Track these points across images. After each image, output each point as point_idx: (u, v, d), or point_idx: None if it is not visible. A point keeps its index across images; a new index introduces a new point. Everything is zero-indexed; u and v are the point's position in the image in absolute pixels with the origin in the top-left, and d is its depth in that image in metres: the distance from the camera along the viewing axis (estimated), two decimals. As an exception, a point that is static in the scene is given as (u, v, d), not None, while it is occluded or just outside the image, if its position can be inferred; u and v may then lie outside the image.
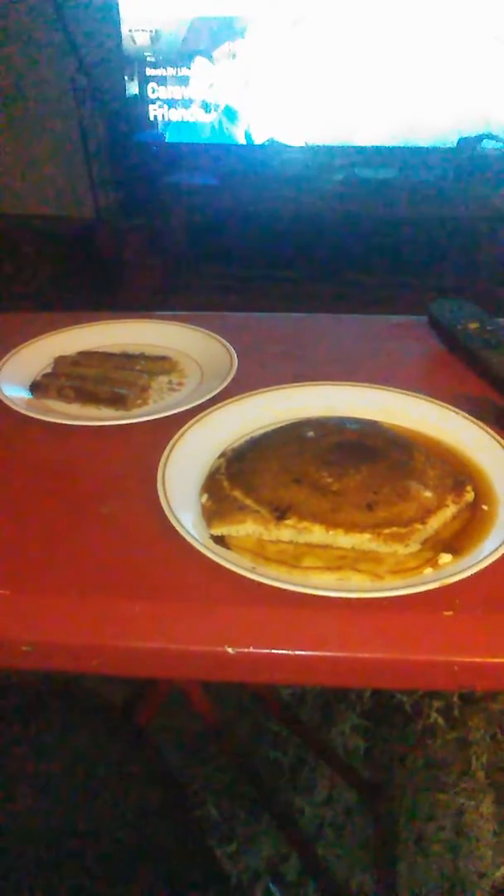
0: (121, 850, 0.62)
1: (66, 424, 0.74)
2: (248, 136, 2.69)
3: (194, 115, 2.68)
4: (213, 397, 0.76)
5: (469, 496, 0.63)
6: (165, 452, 0.66)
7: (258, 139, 2.69)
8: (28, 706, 0.71)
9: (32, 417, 0.75)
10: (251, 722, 1.41)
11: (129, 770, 0.69)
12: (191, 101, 2.67)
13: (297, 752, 1.37)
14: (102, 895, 0.59)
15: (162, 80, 2.65)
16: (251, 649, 0.52)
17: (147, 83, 2.66)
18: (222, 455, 0.69)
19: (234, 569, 0.55)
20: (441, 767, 1.35)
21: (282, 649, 0.52)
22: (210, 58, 2.60)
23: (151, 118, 2.71)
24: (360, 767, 1.35)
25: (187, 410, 0.74)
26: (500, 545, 0.57)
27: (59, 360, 0.86)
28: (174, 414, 0.74)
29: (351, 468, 0.62)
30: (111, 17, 2.59)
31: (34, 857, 0.59)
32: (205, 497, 0.64)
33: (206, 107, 2.67)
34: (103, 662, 0.56)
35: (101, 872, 0.60)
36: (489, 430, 0.70)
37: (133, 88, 2.67)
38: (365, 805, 1.29)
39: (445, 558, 0.57)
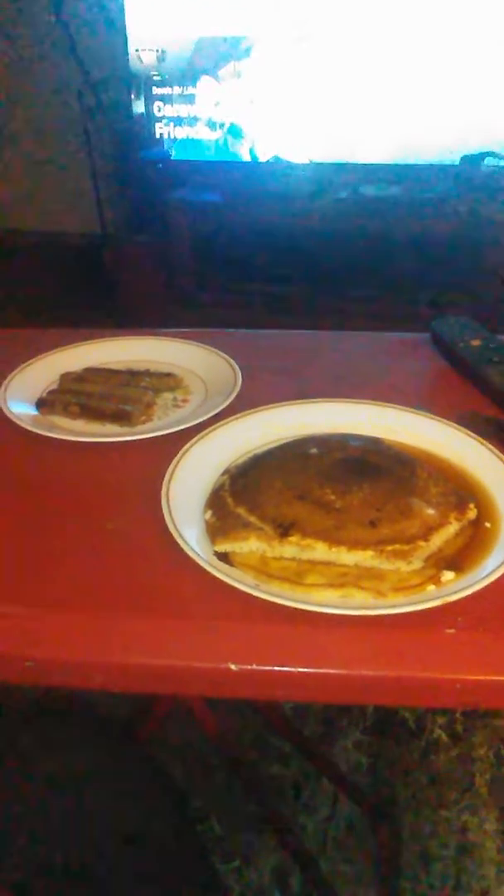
0: (123, 866, 0.62)
1: (71, 441, 0.75)
2: (252, 153, 2.72)
3: (200, 132, 2.71)
4: (218, 414, 0.77)
5: (472, 513, 0.63)
6: (170, 469, 0.67)
7: (263, 157, 2.71)
8: (28, 721, 0.71)
9: (38, 434, 0.75)
10: (254, 737, 1.41)
11: (131, 785, 0.69)
12: (196, 119, 2.69)
13: (299, 767, 1.37)
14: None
15: (168, 99, 2.68)
16: (254, 666, 0.52)
17: (153, 101, 2.68)
18: (226, 472, 0.69)
19: (237, 585, 0.56)
20: (444, 784, 1.34)
21: (285, 666, 0.52)
22: (216, 76, 2.62)
23: (157, 136, 2.73)
24: (363, 783, 1.35)
25: (192, 427, 0.74)
26: (503, 563, 0.57)
27: (65, 377, 0.87)
28: (178, 430, 0.74)
29: (354, 485, 0.62)
30: (118, 36, 2.62)
31: (36, 871, 0.59)
32: (209, 514, 0.64)
33: (211, 125, 2.69)
34: (106, 679, 0.56)
35: (102, 886, 0.60)
36: (492, 447, 0.70)
37: (139, 107, 2.70)
38: (368, 821, 1.28)
39: (448, 576, 0.58)
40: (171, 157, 2.77)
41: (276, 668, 0.52)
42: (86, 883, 0.59)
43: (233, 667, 0.52)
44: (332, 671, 0.53)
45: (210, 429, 0.73)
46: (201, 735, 1.29)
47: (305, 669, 0.52)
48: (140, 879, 0.62)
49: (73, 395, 0.82)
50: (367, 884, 1.20)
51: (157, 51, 2.62)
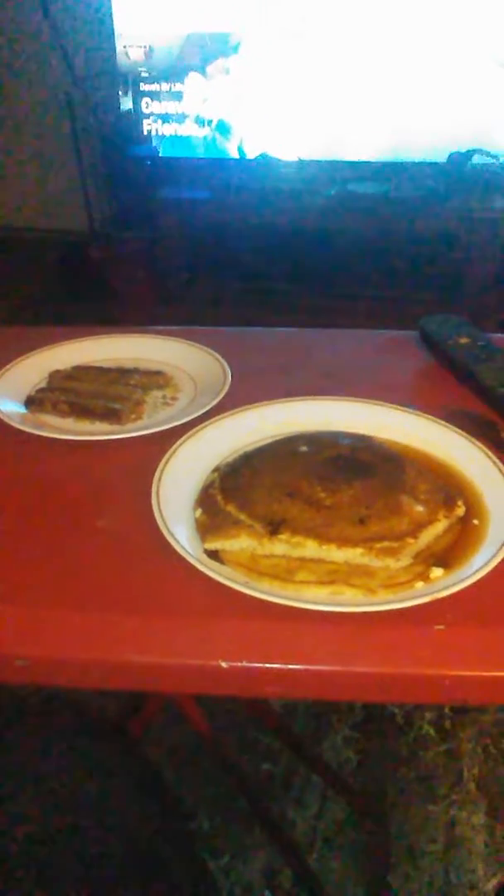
0: (113, 864, 0.62)
1: (60, 439, 0.75)
2: (241, 150, 2.71)
3: (188, 129, 2.71)
4: (207, 412, 0.77)
5: (460, 511, 0.63)
6: (160, 467, 0.67)
7: (251, 154, 2.71)
8: (17, 719, 0.71)
9: (27, 432, 0.75)
10: (243, 734, 1.41)
11: (121, 783, 0.69)
12: (184, 115, 2.69)
13: (289, 764, 1.37)
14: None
15: (156, 95, 2.67)
16: (244, 663, 0.52)
17: (141, 98, 2.68)
18: (216, 470, 0.69)
19: (227, 583, 0.56)
20: (432, 779, 1.35)
21: (275, 663, 0.53)
22: (204, 73, 2.62)
23: (145, 132, 2.73)
24: (352, 779, 1.35)
25: (181, 425, 0.75)
26: (491, 559, 0.57)
27: (54, 375, 0.87)
28: (168, 428, 0.75)
29: (343, 483, 0.62)
30: (106, 32, 2.61)
31: (23, 869, 0.59)
32: (199, 511, 0.64)
33: (199, 121, 2.69)
34: (97, 677, 0.56)
35: (92, 884, 0.60)
36: (480, 444, 0.70)
37: (127, 103, 2.69)
38: (357, 816, 1.29)
39: (437, 572, 0.58)
40: (160, 155, 2.76)
41: (267, 665, 0.53)
42: (76, 880, 0.59)
43: (223, 664, 0.52)
44: (321, 668, 0.53)
45: (199, 427, 0.73)
46: (191, 732, 1.29)
47: (295, 666, 0.53)
48: (129, 876, 0.62)
49: (63, 394, 0.82)
50: (357, 879, 1.21)
51: (145, 47, 2.61)
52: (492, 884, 1.20)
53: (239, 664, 0.52)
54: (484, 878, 1.21)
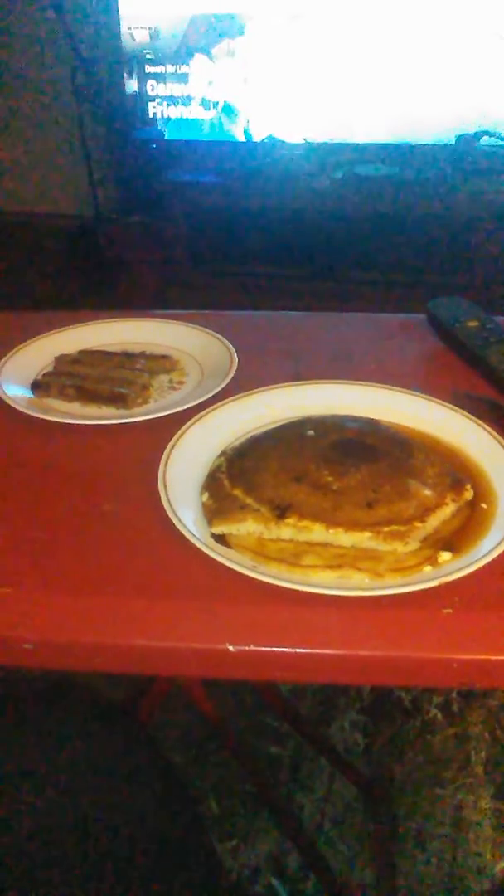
0: (121, 846, 0.62)
1: (66, 423, 0.75)
2: (247, 133, 2.69)
3: (193, 112, 2.69)
4: (214, 396, 0.77)
5: (468, 494, 0.63)
6: (166, 451, 0.67)
7: (257, 136, 2.69)
8: (25, 703, 0.71)
9: (33, 416, 0.75)
10: (251, 718, 1.42)
11: (129, 766, 0.70)
12: (190, 98, 2.67)
13: (296, 747, 1.38)
14: (100, 891, 0.59)
15: (161, 78, 2.65)
16: (252, 647, 0.52)
17: (146, 80, 2.66)
18: (223, 454, 0.69)
19: (234, 567, 0.56)
20: (440, 763, 1.35)
21: (282, 647, 0.52)
22: (209, 55, 2.60)
23: (151, 115, 2.71)
24: (360, 763, 1.36)
25: (188, 409, 0.74)
26: (499, 543, 0.57)
27: (60, 359, 0.87)
28: (175, 413, 0.74)
29: (351, 467, 0.62)
30: (110, 14, 2.59)
31: (32, 852, 0.60)
32: (205, 496, 0.64)
33: (205, 104, 2.67)
34: (104, 660, 0.56)
35: (101, 868, 0.60)
36: (488, 428, 0.70)
37: (132, 86, 2.67)
38: (364, 800, 1.29)
39: (445, 556, 0.58)
40: (165, 137, 2.75)
41: (274, 649, 0.53)
42: (83, 862, 0.60)
43: (230, 648, 0.52)
44: (329, 652, 0.53)
45: (206, 411, 0.73)
46: (199, 716, 1.30)
47: (303, 650, 0.52)
48: (137, 858, 0.62)
49: (69, 378, 0.82)
50: (364, 862, 1.21)
51: (150, 29, 2.59)
52: (499, 867, 1.20)
53: (246, 648, 0.52)
54: (491, 862, 1.21)
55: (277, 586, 0.54)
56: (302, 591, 0.54)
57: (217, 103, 2.67)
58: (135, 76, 2.66)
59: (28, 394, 0.81)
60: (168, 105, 2.70)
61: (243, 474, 0.64)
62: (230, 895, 0.96)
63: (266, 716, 1.41)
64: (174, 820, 0.68)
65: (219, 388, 0.78)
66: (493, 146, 2.54)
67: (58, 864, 0.59)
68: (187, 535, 0.58)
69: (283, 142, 2.67)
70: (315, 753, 1.36)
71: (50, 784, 0.65)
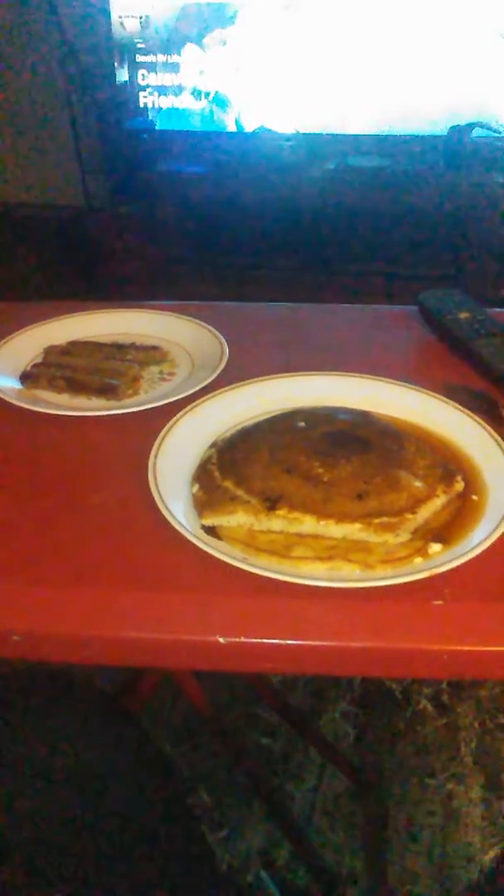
0: (111, 836, 0.62)
1: (56, 415, 0.74)
2: (238, 123, 2.68)
3: (185, 102, 2.67)
4: (204, 387, 0.76)
5: (459, 486, 0.63)
6: (156, 443, 0.66)
7: (249, 127, 2.68)
8: (16, 692, 0.71)
9: (23, 408, 0.75)
10: (242, 709, 1.42)
11: (119, 756, 0.70)
12: (181, 88, 2.65)
13: (287, 738, 1.38)
14: (92, 880, 0.59)
15: (152, 67, 2.63)
16: (242, 639, 0.52)
17: (137, 70, 2.64)
18: (213, 445, 0.69)
19: (225, 559, 0.56)
20: (430, 753, 1.36)
21: (273, 639, 0.52)
22: (200, 44, 2.58)
23: (142, 105, 2.70)
24: (351, 753, 1.36)
25: (178, 400, 0.74)
26: (490, 535, 0.57)
27: (50, 350, 0.86)
28: (165, 404, 0.74)
29: (342, 458, 0.62)
30: (101, 2, 2.56)
31: (23, 841, 0.60)
32: (196, 487, 0.64)
33: (196, 94, 2.65)
34: (94, 652, 0.56)
35: (92, 857, 0.60)
36: (479, 420, 0.70)
37: (123, 75, 2.66)
38: (355, 790, 1.30)
39: (435, 548, 0.58)
40: (156, 128, 2.73)
41: (264, 641, 0.52)
42: (73, 853, 0.60)
43: (221, 640, 0.52)
44: (319, 643, 0.53)
45: (197, 402, 0.73)
46: (190, 706, 1.30)
47: (293, 642, 0.52)
48: (128, 849, 0.62)
49: (59, 369, 0.81)
50: (355, 852, 1.22)
51: (141, 17, 2.57)
52: (489, 856, 1.21)
53: (237, 640, 0.52)
54: (481, 851, 1.22)
55: (268, 578, 0.54)
56: (292, 583, 0.54)
57: (208, 93, 2.66)
58: (126, 66, 2.65)
59: (17, 385, 0.80)
60: (159, 95, 2.68)
61: (234, 466, 0.64)
62: (221, 885, 0.96)
63: (257, 707, 1.42)
64: (165, 810, 0.68)
65: (209, 380, 0.78)
66: (486, 137, 2.54)
67: (47, 852, 0.59)
68: (177, 527, 0.58)
69: (274, 132, 2.66)
70: (306, 744, 1.37)
71: (40, 774, 0.64)
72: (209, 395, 0.74)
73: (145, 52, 2.62)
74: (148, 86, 2.67)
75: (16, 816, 0.60)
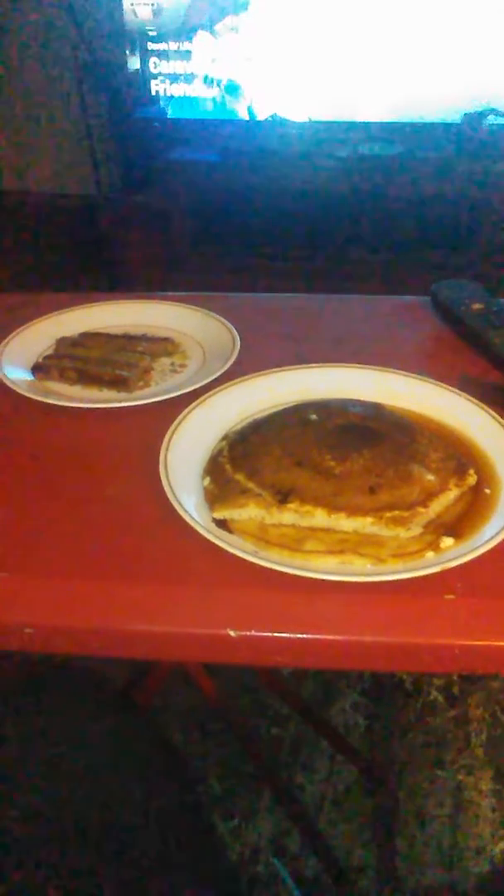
0: (121, 827, 0.62)
1: (67, 406, 0.74)
2: (250, 111, 2.66)
3: (196, 90, 2.65)
4: (216, 379, 0.76)
5: (471, 479, 0.63)
6: (167, 435, 0.66)
7: (261, 115, 2.66)
8: (27, 685, 0.71)
9: (34, 399, 0.75)
10: (252, 699, 1.42)
11: (130, 747, 0.70)
12: (193, 75, 2.63)
13: (297, 729, 1.38)
14: (101, 871, 0.59)
15: (164, 55, 2.62)
16: (253, 632, 0.52)
17: (148, 58, 2.62)
18: (224, 438, 0.68)
19: (236, 552, 0.55)
20: (440, 745, 1.36)
21: (283, 632, 0.52)
22: (212, 32, 2.56)
23: (153, 93, 2.68)
24: (360, 744, 1.37)
25: (189, 392, 0.74)
26: (502, 529, 0.57)
27: (61, 342, 0.86)
28: (176, 396, 0.74)
29: (353, 451, 0.62)
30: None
31: (34, 833, 0.60)
32: (207, 480, 0.64)
33: (208, 82, 2.64)
34: (105, 645, 0.56)
35: (102, 848, 0.60)
36: (492, 412, 0.69)
37: (134, 63, 2.64)
38: (365, 781, 1.30)
39: (447, 542, 0.57)
40: (168, 116, 2.72)
41: (275, 635, 0.52)
42: (84, 843, 0.60)
43: (231, 633, 0.52)
44: (330, 637, 0.53)
45: (208, 394, 0.73)
46: (200, 697, 1.30)
47: (304, 636, 0.52)
48: (139, 839, 0.63)
49: (70, 361, 0.81)
50: (364, 843, 1.22)
51: (153, 4, 2.55)
52: (499, 848, 1.21)
53: (248, 633, 0.52)
54: (491, 843, 1.22)
55: (279, 572, 0.54)
56: (303, 577, 0.54)
57: (220, 81, 2.64)
58: (137, 53, 2.63)
59: (29, 376, 0.80)
60: (171, 83, 2.66)
61: (245, 458, 0.63)
62: (231, 875, 0.97)
63: (267, 696, 1.42)
64: (175, 800, 0.68)
65: (221, 372, 0.78)
66: (500, 125, 2.51)
67: (58, 843, 0.60)
68: (188, 520, 0.58)
69: (287, 120, 2.64)
70: (316, 734, 1.37)
71: (51, 764, 0.65)
72: (220, 387, 0.74)
73: (157, 40, 2.60)
74: (160, 74, 2.66)
75: (27, 811, 0.61)
